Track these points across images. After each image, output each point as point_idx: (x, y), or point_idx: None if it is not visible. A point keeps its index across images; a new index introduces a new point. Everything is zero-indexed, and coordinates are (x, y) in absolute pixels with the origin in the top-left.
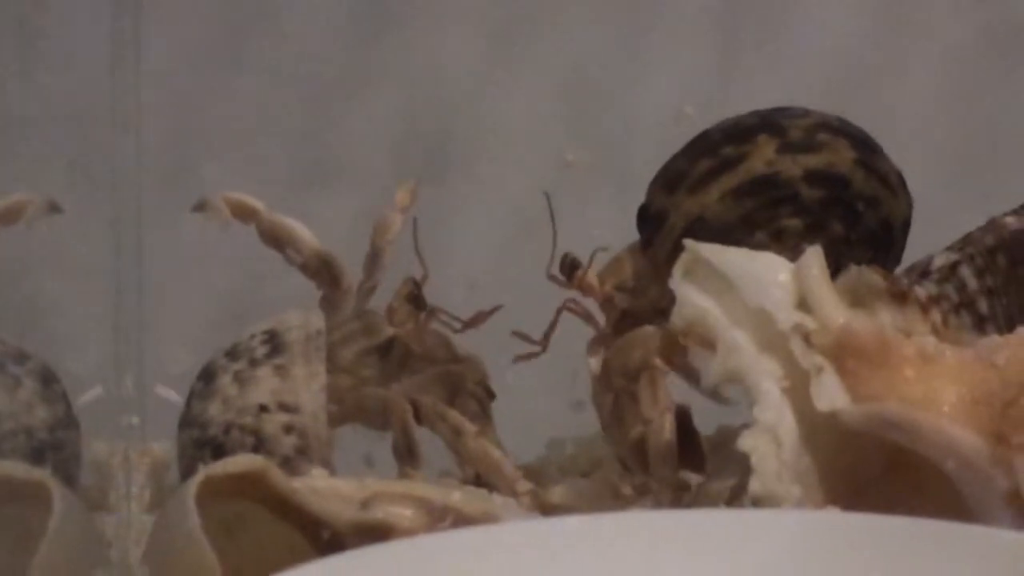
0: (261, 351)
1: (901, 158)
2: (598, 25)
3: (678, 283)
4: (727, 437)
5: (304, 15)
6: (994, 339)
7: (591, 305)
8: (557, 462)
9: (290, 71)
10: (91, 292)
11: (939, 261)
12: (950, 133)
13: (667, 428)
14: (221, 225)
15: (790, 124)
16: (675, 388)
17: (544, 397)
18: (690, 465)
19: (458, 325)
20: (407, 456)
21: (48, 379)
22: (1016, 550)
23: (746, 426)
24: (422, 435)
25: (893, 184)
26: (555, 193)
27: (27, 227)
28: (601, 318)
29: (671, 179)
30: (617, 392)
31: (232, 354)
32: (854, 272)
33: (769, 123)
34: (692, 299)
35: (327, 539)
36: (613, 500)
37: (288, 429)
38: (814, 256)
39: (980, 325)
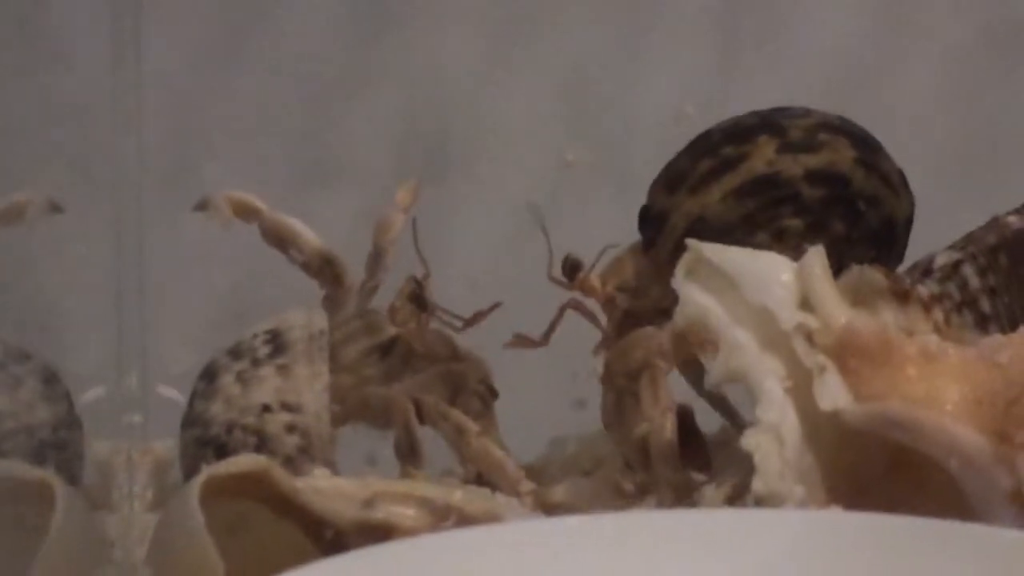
0: (264, 350)
1: (902, 157)
2: (598, 25)
3: (680, 282)
4: (730, 436)
5: (304, 15)
6: (997, 338)
7: (594, 305)
8: (559, 461)
9: (291, 71)
10: (93, 291)
11: (941, 260)
12: (951, 132)
13: (668, 427)
14: (223, 224)
15: (790, 124)
16: (677, 388)
17: (546, 396)
18: (694, 465)
19: (459, 324)
20: (409, 455)
21: (50, 378)
22: (1019, 549)
23: (749, 425)
24: (424, 434)
25: (894, 183)
26: (555, 193)
27: (28, 227)
28: (604, 319)
29: (672, 179)
30: (619, 392)
31: (234, 353)
32: (856, 271)
33: (769, 123)
34: (694, 298)
35: (330, 539)
36: (615, 499)
37: (291, 429)
38: (816, 255)
39: (982, 324)
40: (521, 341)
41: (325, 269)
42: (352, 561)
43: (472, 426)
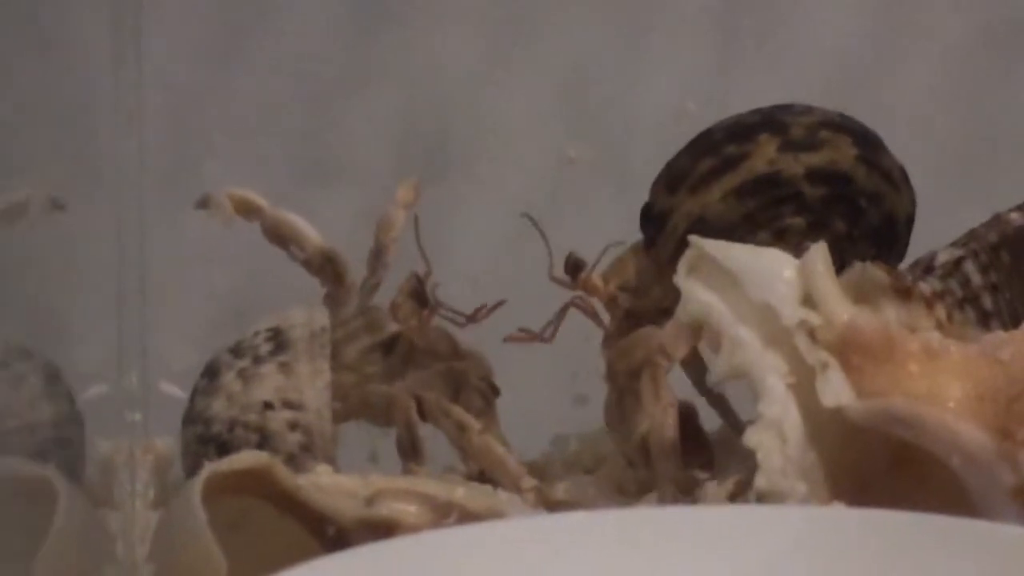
0: (265, 348)
1: (902, 156)
2: (598, 24)
3: (683, 279)
4: (732, 433)
5: (305, 14)
6: (999, 335)
7: (596, 304)
8: (561, 458)
9: (291, 70)
10: (94, 289)
11: (943, 257)
12: (951, 130)
13: (670, 424)
14: (224, 222)
15: (792, 122)
16: (679, 386)
17: (548, 393)
18: (696, 462)
19: (462, 320)
20: (411, 452)
21: (52, 376)
22: (1021, 545)
23: (751, 422)
24: (426, 431)
25: (896, 180)
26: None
27: (30, 225)
28: (607, 317)
29: (673, 178)
30: (621, 391)
31: (236, 351)
32: (858, 268)
33: (771, 121)
34: (697, 295)
35: (332, 535)
36: (617, 496)
37: (292, 426)
38: (819, 252)
39: (984, 321)
40: (523, 335)
41: (326, 267)
42: (354, 558)
43: (474, 423)
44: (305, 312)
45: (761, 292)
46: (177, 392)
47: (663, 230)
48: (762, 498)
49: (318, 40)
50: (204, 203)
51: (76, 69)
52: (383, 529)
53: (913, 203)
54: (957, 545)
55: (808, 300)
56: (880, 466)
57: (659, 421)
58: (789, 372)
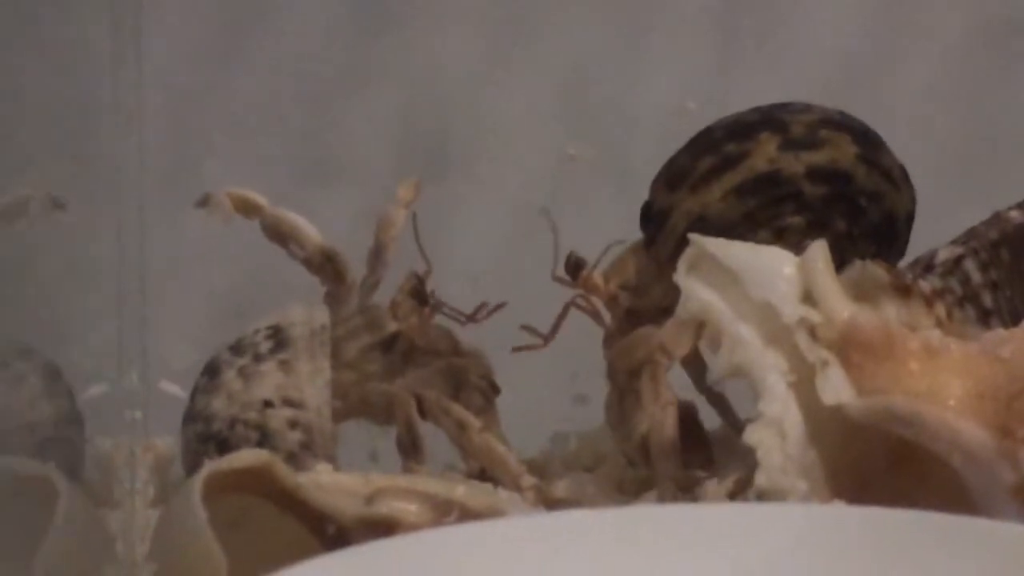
0: (265, 346)
1: (902, 154)
2: (598, 24)
3: (683, 277)
4: (732, 432)
5: (304, 14)
6: (999, 333)
7: (598, 303)
8: (561, 456)
9: (291, 70)
10: (94, 288)
11: (943, 255)
12: (951, 130)
13: (669, 422)
14: (224, 220)
15: (792, 120)
16: (679, 385)
17: (548, 391)
18: (696, 461)
19: (462, 319)
20: (411, 451)
21: (52, 375)
22: (1021, 543)
23: (751, 420)
24: (426, 430)
25: (896, 178)
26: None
27: (30, 223)
28: (608, 316)
29: (673, 177)
30: (622, 390)
31: (236, 349)
32: (858, 266)
33: (771, 119)
34: (697, 293)
35: (332, 534)
36: (617, 494)
37: (293, 424)
38: (819, 250)
39: (984, 319)
40: (531, 345)
41: (326, 265)
42: (354, 556)
43: (474, 421)
44: (305, 310)
45: (761, 290)
46: (177, 391)
47: (663, 228)
48: (762, 496)
49: (318, 40)
50: (204, 202)
51: (76, 69)
52: (383, 527)
53: (913, 201)
54: (957, 543)
55: (808, 298)
56: (880, 464)
57: (659, 420)
58: (789, 370)
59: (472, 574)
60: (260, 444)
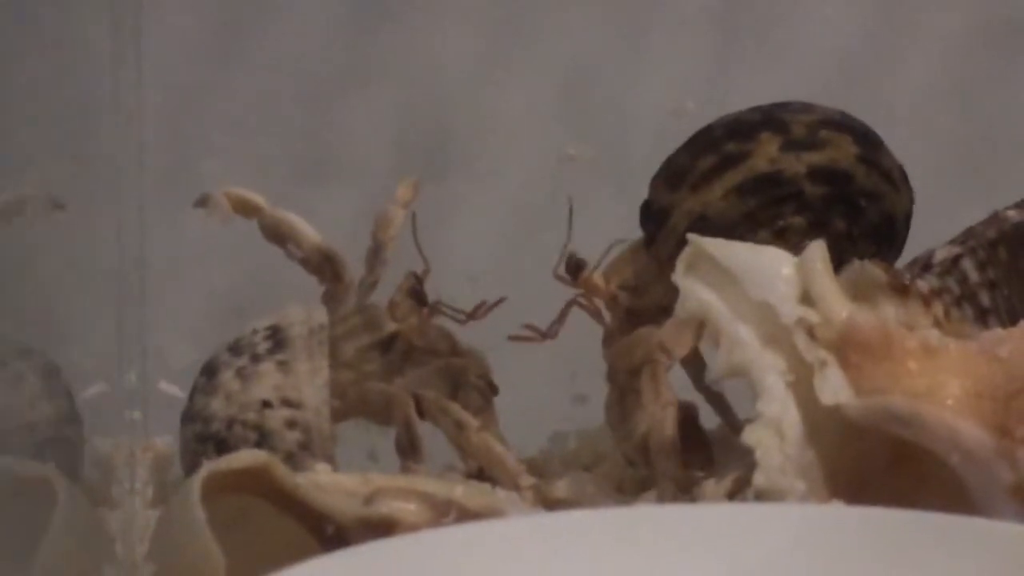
0: (264, 346)
1: (901, 154)
2: (598, 24)
3: (681, 277)
4: (731, 432)
5: (304, 12)
6: (997, 332)
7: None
8: (560, 456)
9: (290, 68)
10: (93, 288)
11: (941, 254)
12: (950, 128)
13: (669, 422)
14: (223, 220)
15: (792, 120)
16: (679, 385)
17: (547, 391)
18: (696, 461)
19: (462, 318)
20: (410, 451)
21: (51, 375)
22: (1020, 543)
23: (750, 420)
24: (425, 429)
25: (895, 179)
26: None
27: (29, 223)
28: (608, 316)
29: (673, 176)
30: (622, 390)
31: (235, 349)
32: (856, 266)
33: (771, 119)
34: (695, 293)
35: (331, 534)
36: (616, 494)
37: (291, 424)
38: (817, 250)
39: (982, 318)
40: (528, 335)
41: (325, 265)
42: (353, 556)
43: (472, 421)
44: (303, 310)
45: (760, 290)
46: (176, 391)
47: (663, 227)
48: (761, 496)
49: (318, 39)
50: (202, 202)
51: (76, 69)
52: (382, 527)
53: (911, 202)
54: (956, 543)
55: (807, 298)
56: (879, 464)
57: (659, 419)
58: (788, 370)
59: (471, 574)
60: (258, 444)
